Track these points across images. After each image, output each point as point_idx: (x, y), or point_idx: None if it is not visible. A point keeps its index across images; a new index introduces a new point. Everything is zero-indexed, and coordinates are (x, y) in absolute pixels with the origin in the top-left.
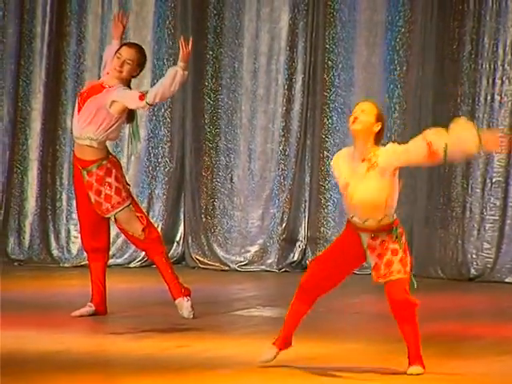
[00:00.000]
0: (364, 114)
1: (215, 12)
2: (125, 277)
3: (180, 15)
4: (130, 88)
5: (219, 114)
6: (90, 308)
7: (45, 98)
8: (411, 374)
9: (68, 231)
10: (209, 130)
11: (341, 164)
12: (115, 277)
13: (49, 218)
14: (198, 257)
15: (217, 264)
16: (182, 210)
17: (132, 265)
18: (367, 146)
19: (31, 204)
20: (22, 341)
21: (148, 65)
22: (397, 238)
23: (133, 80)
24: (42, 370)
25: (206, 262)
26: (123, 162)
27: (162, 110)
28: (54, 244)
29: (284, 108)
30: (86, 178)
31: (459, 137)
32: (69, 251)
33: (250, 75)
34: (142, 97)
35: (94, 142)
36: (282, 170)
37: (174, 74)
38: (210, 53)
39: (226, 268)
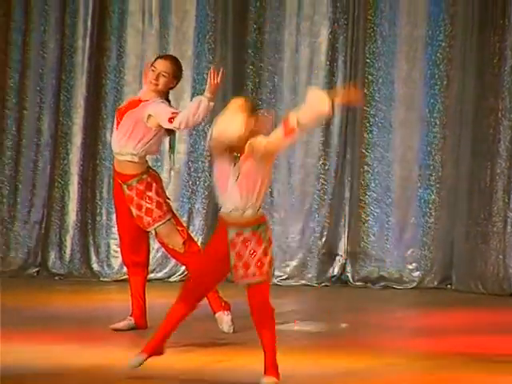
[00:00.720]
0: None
1: (255, 26)
2: (165, 291)
3: (220, 30)
4: (169, 100)
5: None
6: (129, 321)
7: (85, 112)
8: None
9: (108, 245)
10: None
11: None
12: (155, 291)
13: (89, 232)
14: None
15: None
16: None
17: (172, 279)
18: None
19: (72, 218)
20: (64, 355)
21: (188, 79)
22: (261, 234)
23: (172, 93)
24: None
25: None
26: (163, 176)
27: (203, 124)
28: (94, 258)
29: (324, 122)
30: (127, 192)
31: (310, 104)
32: (109, 265)
33: (290, 90)
34: (171, 120)
35: (135, 157)
36: (322, 184)
37: (198, 104)
38: (250, 67)
39: None
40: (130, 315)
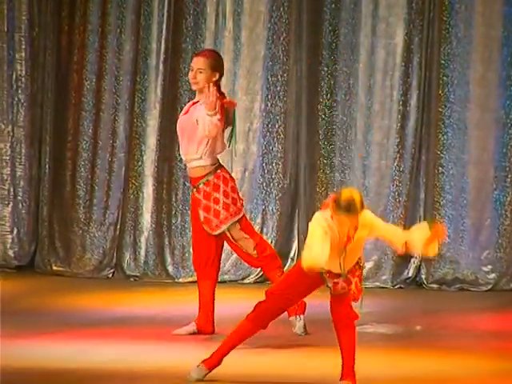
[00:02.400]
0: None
1: (330, 28)
2: (238, 293)
3: (295, 31)
4: (221, 92)
5: (334, 130)
6: (192, 327)
7: (160, 114)
8: None
9: (183, 247)
10: (323, 146)
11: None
12: (229, 292)
13: (164, 233)
14: None
15: None
16: (296, 226)
17: (246, 281)
18: None
19: (146, 220)
20: (134, 356)
21: (262, 80)
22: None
23: (250, 97)
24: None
25: None
26: (237, 177)
27: (276, 126)
28: (169, 260)
29: (399, 124)
30: (196, 196)
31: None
32: (184, 267)
33: (365, 91)
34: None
35: (201, 161)
36: (397, 186)
37: (203, 123)
38: (325, 69)
39: None
40: (195, 320)
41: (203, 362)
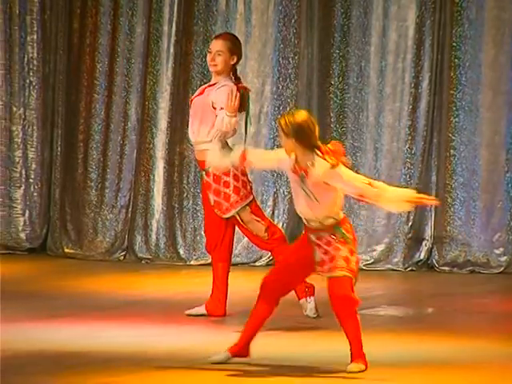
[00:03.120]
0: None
1: (342, 10)
2: (250, 276)
3: (306, 13)
4: (238, 78)
5: (345, 113)
6: (203, 309)
7: (171, 96)
8: (351, 372)
9: (195, 229)
10: (335, 128)
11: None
12: (241, 275)
13: (175, 216)
14: None
15: None
16: None
17: (258, 263)
18: (305, 159)
19: (157, 202)
20: (146, 339)
21: (273, 63)
22: (343, 236)
23: (261, 79)
24: (167, 368)
25: None
26: None
27: (287, 109)
28: (180, 242)
29: (410, 106)
30: (205, 179)
31: (392, 197)
32: (195, 249)
33: (377, 74)
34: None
35: (211, 144)
36: (409, 168)
37: (222, 119)
38: (337, 51)
39: None
40: (206, 302)
41: (228, 349)
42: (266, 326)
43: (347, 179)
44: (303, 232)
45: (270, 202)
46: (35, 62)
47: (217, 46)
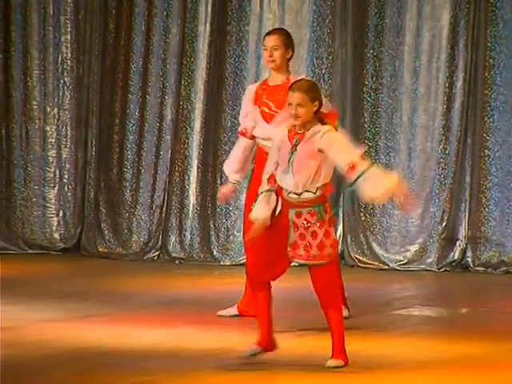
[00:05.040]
0: (301, 107)
1: (376, 10)
2: (283, 275)
3: (340, 14)
4: (289, 72)
5: (379, 113)
6: (234, 310)
7: (205, 97)
8: (329, 367)
9: (228, 229)
10: (368, 128)
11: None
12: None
13: (209, 216)
14: (357, 256)
15: (376, 263)
16: (341, 208)
17: (292, 264)
18: (307, 125)
19: (192, 202)
20: (179, 338)
21: (307, 63)
22: (321, 217)
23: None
24: (199, 368)
25: (365, 260)
26: None
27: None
28: (214, 242)
29: (445, 106)
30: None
31: (380, 181)
32: (229, 249)
33: (411, 74)
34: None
35: None
36: (442, 168)
37: None
38: (371, 51)
39: (385, 267)
40: (238, 303)
41: (257, 342)
42: (295, 327)
43: (345, 142)
44: (282, 209)
45: None
46: (69, 63)
47: (272, 41)
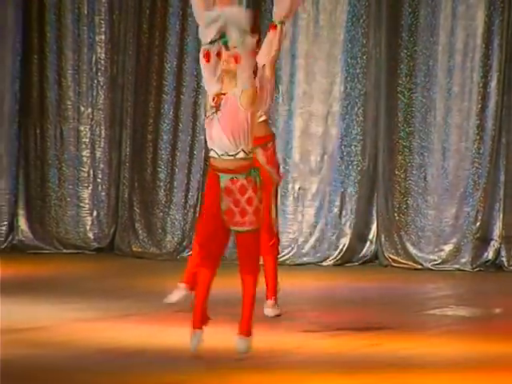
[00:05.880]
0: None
1: (410, 10)
2: (318, 275)
3: (374, 14)
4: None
5: (413, 113)
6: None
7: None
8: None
9: None
10: (402, 128)
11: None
12: (308, 275)
13: None
14: (390, 255)
15: (410, 263)
16: (375, 208)
17: (325, 263)
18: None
19: None
20: (215, 337)
21: (341, 63)
22: (256, 180)
23: (329, 79)
24: (235, 368)
25: (399, 260)
26: (316, 160)
27: (355, 109)
28: None
29: (479, 106)
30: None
31: None
32: None
33: (445, 73)
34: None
35: None
36: (476, 168)
37: None
38: (405, 51)
39: (419, 267)
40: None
41: (192, 326)
42: (333, 326)
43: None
44: (210, 177)
45: (338, 202)
46: (103, 63)
47: None
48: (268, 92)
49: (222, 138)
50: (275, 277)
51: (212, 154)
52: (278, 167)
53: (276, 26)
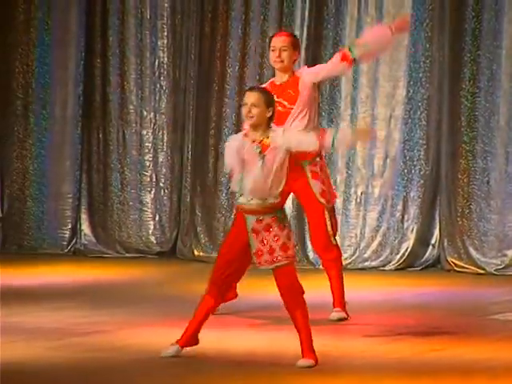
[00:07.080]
0: (255, 107)
1: (473, 14)
2: (380, 280)
3: (437, 17)
4: (293, 71)
5: (476, 117)
6: (340, 313)
7: None
8: (301, 367)
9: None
10: (465, 132)
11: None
12: (370, 279)
13: (305, 220)
14: (453, 260)
15: (472, 267)
16: (438, 212)
17: (387, 267)
18: (260, 131)
19: (288, 206)
20: (276, 342)
21: (404, 67)
22: (282, 220)
23: (392, 83)
24: (296, 372)
25: (462, 265)
26: (379, 164)
27: (418, 113)
28: (309, 246)
29: None
30: (311, 168)
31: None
32: None
33: (508, 77)
34: None
35: None
36: None
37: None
38: (468, 55)
39: (482, 271)
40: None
41: (177, 341)
42: (394, 331)
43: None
44: (236, 218)
45: (400, 207)
46: (166, 67)
47: (281, 42)
48: (316, 111)
49: (262, 187)
50: (341, 287)
51: (241, 200)
52: (329, 185)
53: (351, 60)
